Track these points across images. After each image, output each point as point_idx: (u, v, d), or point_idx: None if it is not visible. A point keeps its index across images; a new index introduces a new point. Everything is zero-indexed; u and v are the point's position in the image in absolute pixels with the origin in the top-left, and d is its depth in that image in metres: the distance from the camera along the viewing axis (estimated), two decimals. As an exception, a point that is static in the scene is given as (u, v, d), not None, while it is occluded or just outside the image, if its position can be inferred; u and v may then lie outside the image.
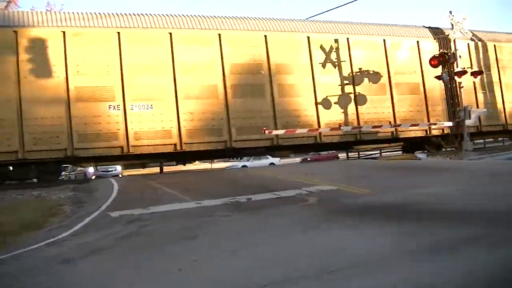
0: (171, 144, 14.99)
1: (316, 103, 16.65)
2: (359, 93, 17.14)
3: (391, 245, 4.38)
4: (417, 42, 18.48)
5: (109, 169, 26.78)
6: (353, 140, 17.50)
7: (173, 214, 7.34)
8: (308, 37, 16.89)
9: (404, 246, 4.30)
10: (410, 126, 17.01)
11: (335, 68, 17.10)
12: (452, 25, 16.30)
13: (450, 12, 16.33)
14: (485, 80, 19.77)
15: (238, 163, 31.70)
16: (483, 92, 19.56)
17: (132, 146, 14.55)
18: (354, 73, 17.14)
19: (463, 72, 15.86)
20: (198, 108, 15.31)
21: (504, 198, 6.54)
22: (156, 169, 24.11)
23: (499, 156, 15.09)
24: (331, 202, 7.44)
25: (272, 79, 16.12)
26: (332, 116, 16.81)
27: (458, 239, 4.36)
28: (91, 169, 25.95)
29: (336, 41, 17.25)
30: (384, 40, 17.89)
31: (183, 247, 5.11)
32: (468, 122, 15.88)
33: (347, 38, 17.45)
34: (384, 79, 17.62)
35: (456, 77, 15.92)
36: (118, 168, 27.98)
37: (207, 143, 15.44)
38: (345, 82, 17.14)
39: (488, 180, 8.86)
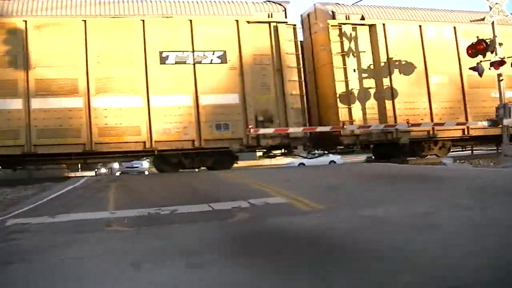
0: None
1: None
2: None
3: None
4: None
5: (134, 165, 24.78)
6: None
7: (69, 225, 6.29)
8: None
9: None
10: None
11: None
12: (490, 7, 13.61)
13: (488, -8, 13.66)
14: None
15: (296, 160, 28.25)
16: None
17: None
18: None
19: (501, 63, 13.17)
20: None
21: (457, 239, 4.45)
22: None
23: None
24: (254, 221, 5.97)
25: None
26: None
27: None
28: (115, 165, 25.54)
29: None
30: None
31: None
32: (506, 121, 13.22)
33: None
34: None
35: (492, 68, 13.25)
36: (145, 164, 26.69)
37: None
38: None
39: (485, 202, 6.66)
